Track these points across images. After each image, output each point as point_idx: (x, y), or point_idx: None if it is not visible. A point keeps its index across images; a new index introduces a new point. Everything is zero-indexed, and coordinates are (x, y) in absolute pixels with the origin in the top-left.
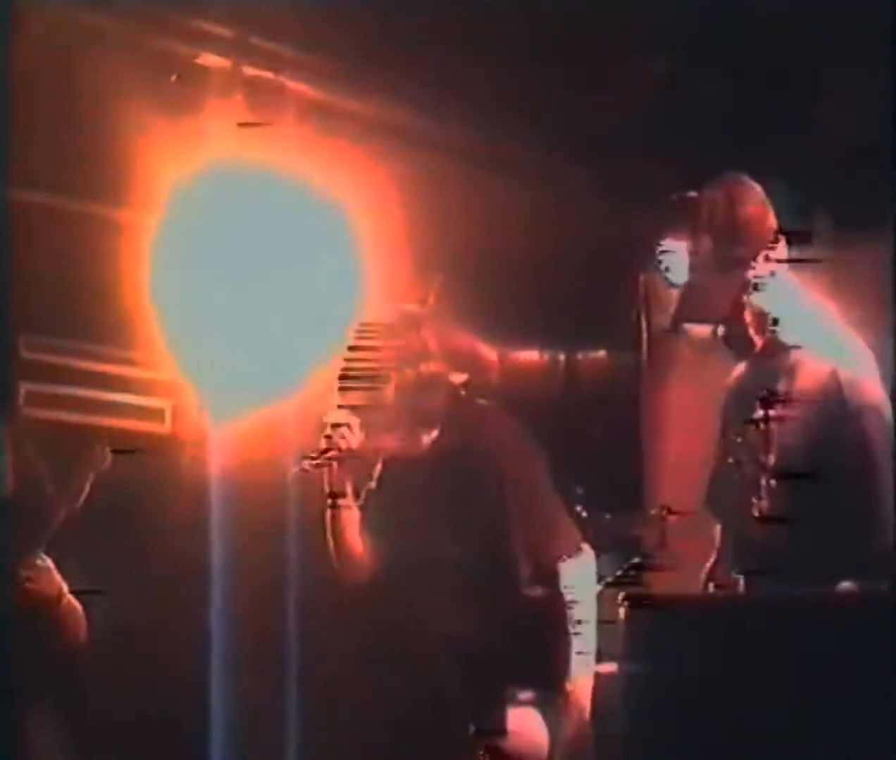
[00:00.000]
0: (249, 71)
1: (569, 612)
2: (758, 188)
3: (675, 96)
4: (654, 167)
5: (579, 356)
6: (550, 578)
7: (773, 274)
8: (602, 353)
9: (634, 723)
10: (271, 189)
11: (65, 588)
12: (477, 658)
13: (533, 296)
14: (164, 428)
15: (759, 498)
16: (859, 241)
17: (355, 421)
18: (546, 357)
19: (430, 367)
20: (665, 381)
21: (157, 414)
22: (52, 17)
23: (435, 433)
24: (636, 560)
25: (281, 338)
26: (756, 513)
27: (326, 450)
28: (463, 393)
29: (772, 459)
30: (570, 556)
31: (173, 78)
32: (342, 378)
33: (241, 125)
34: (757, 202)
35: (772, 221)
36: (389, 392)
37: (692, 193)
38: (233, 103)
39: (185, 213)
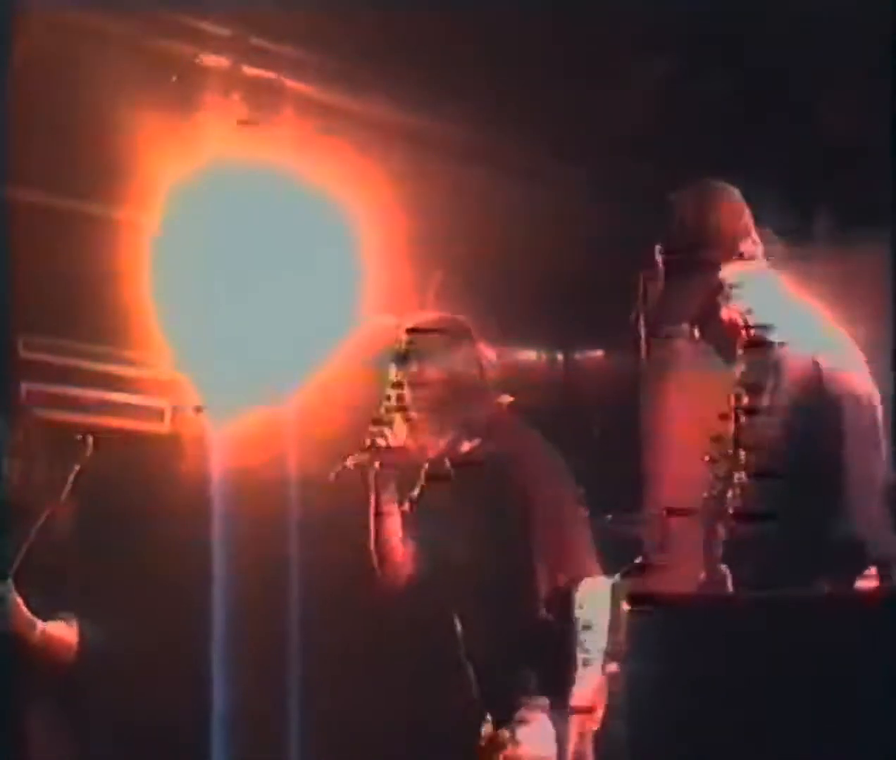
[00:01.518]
0: (249, 71)
1: (579, 636)
2: (731, 190)
3: (675, 96)
4: (654, 167)
5: (578, 356)
6: (565, 601)
7: (748, 274)
8: (602, 353)
9: (635, 723)
10: (271, 188)
11: (36, 621)
12: (490, 664)
13: (532, 296)
14: (164, 428)
15: (733, 495)
16: (859, 241)
17: (400, 421)
18: (545, 357)
19: (478, 378)
20: (665, 381)
21: (157, 414)
22: (52, 17)
23: (474, 443)
24: (637, 560)
25: (281, 338)
26: (730, 510)
27: (370, 447)
28: (506, 411)
29: (743, 456)
30: (586, 581)
31: (173, 78)
32: (392, 385)
33: (240, 124)
34: (728, 204)
35: (746, 223)
36: (437, 397)
37: (670, 198)
38: (232, 103)
39: (184, 213)
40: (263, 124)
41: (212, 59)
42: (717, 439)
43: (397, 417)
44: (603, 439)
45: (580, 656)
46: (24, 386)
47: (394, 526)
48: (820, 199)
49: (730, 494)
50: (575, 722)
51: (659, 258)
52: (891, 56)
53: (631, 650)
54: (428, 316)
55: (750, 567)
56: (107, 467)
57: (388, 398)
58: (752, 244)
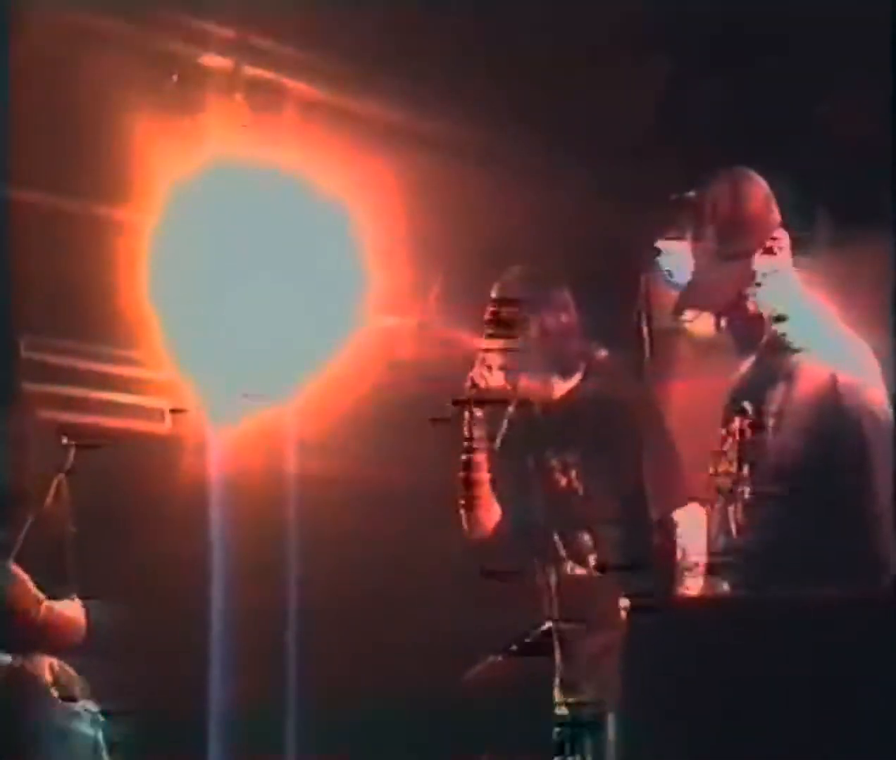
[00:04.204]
0: (250, 71)
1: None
2: (762, 182)
3: (676, 96)
4: (654, 167)
5: None
6: (669, 524)
7: (776, 269)
8: (602, 353)
9: (636, 724)
10: (272, 189)
11: (41, 596)
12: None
13: None
14: (164, 428)
15: (735, 512)
16: (859, 241)
17: (496, 361)
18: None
19: (570, 320)
20: (665, 381)
21: (157, 414)
22: (52, 17)
23: (574, 380)
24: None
25: (281, 338)
26: (733, 528)
27: (470, 387)
28: (601, 354)
29: (745, 473)
30: (683, 506)
31: (174, 78)
32: (488, 323)
33: (241, 125)
34: (761, 196)
35: (776, 216)
36: (531, 335)
37: (691, 193)
38: (233, 103)
39: (185, 213)
40: (264, 124)
41: (213, 60)
42: (720, 455)
43: (495, 359)
44: None
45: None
46: (24, 387)
47: (483, 470)
48: (820, 200)
49: (732, 509)
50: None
51: (676, 251)
52: (891, 56)
53: (631, 650)
54: (516, 267)
55: (759, 579)
56: (107, 467)
57: (489, 339)
58: (783, 237)
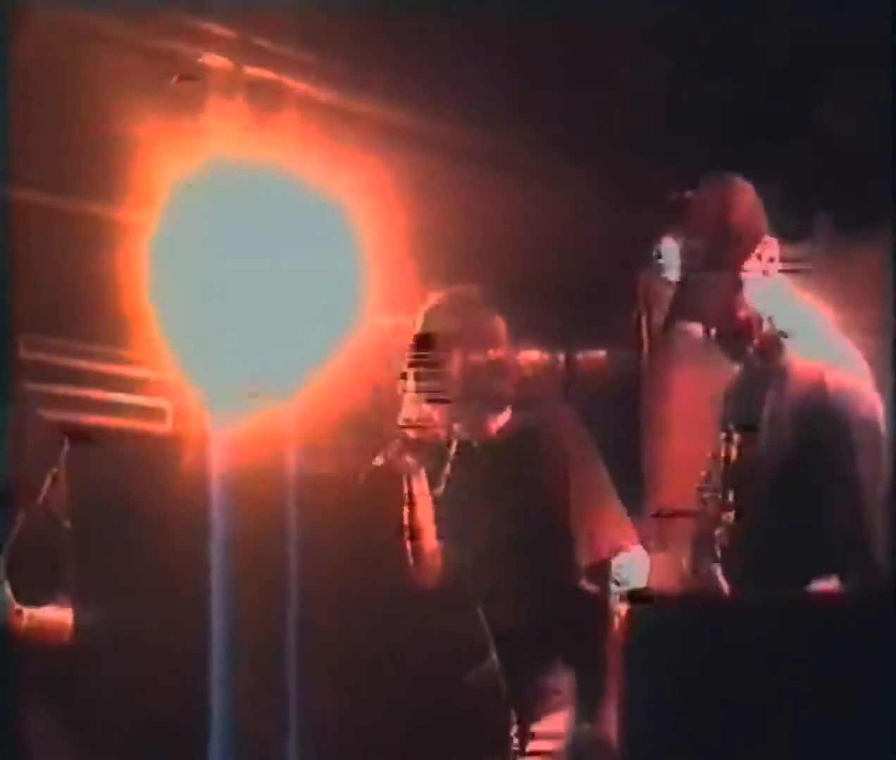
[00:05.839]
0: (251, 71)
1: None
2: (750, 188)
3: (675, 96)
4: (654, 167)
5: (579, 356)
6: (604, 571)
7: (765, 274)
8: (602, 353)
9: (635, 724)
10: (272, 188)
11: (17, 606)
12: (523, 643)
13: (532, 295)
14: (164, 428)
15: (720, 534)
16: (859, 242)
17: (423, 405)
18: (546, 357)
19: (498, 351)
20: (665, 381)
21: (157, 414)
22: (52, 16)
23: (504, 417)
24: None
25: (281, 338)
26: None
27: (398, 441)
28: (533, 383)
29: (732, 497)
30: (624, 551)
31: (174, 78)
32: (411, 364)
33: (241, 125)
34: (749, 202)
35: (764, 221)
36: (458, 375)
37: (688, 193)
38: (234, 103)
39: (185, 213)
40: (265, 125)
41: (213, 60)
42: (705, 482)
43: (420, 402)
44: (603, 439)
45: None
46: (24, 386)
47: (426, 513)
48: (820, 200)
49: (718, 531)
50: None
51: (673, 251)
52: (891, 56)
53: (631, 650)
54: (440, 293)
55: (747, 575)
56: (107, 467)
57: (405, 379)
58: (772, 243)
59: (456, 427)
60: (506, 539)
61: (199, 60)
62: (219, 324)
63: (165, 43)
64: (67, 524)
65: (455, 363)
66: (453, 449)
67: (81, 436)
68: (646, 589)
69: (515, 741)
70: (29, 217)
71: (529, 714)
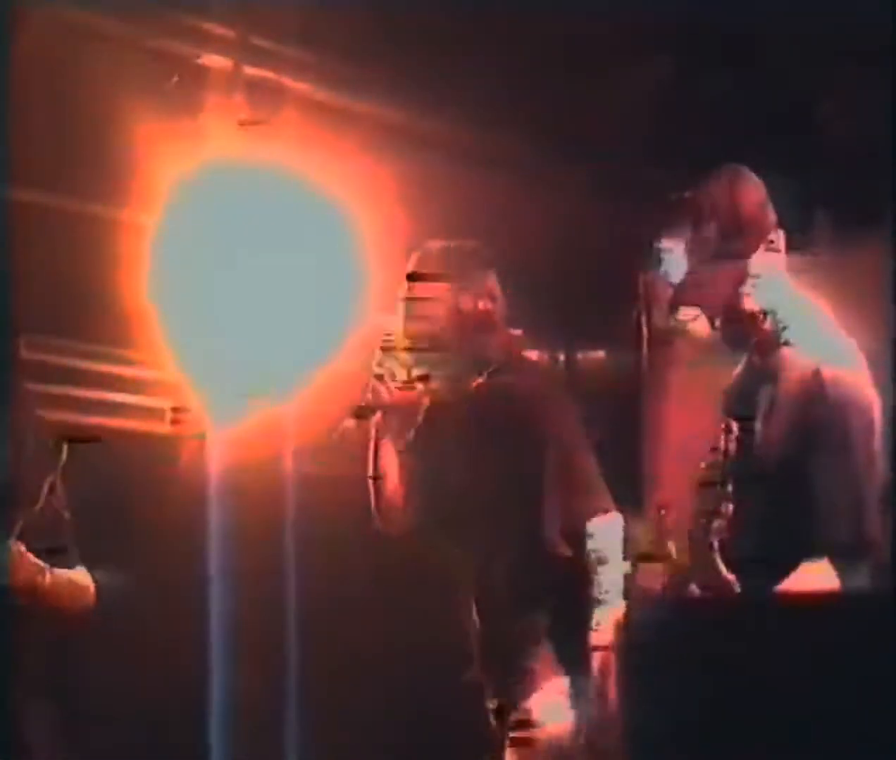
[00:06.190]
0: (250, 70)
1: (594, 572)
2: (759, 182)
3: (675, 96)
4: (654, 167)
5: (579, 356)
6: (579, 535)
7: (771, 266)
8: (602, 353)
9: (635, 725)
10: (272, 188)
11: (42, 564)
12: (500, 606)
13: (532, 295)
14: (164, 428)
15: (719, 527)
16: (859, 241)
17: (399, 369)
18: (546, 357)
19: (487, 304)
20: (665, 381)
21: (157, 414)
22: (52, 16)
23: (483, 375)
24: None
25: (281, 338)
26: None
27: (370, 401)
28: (520, 346)
29: (730, 491)
30: (599, 515)
31: (174, 78)
32: (403, 303)
33: (241, 124)
34: (758, 194)
35: (771, 214)
36: (444, 318)
37: (689, 193)
38: (233, 103)
39: (185, 213)
40: (264, 124)
41: (213, 59)
42: (704, 475)
43: (400, 358)
44: (603, 439)
45: (595, 594)
46: (24, 386)
47: (392, 468)
48: (820, 200)
49: (716, 524)
50: (596, 659)
51: (673, 251)
52: (891, 56)
53: (630, 650)
54: (435, 243)
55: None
56: (107, 467)
57: (389, 337)
58: (778, 237)
59: (434, 384)
60: (477, 493)
61: (199, 60)
62: (219, 324)
63: (165, 43)
64: (67, 515)
65: (443, 305)
66: (426, 404)
67: (81, 437)
68: (646, 592)
69: (493, 719)
70: (29, 217)
71: (506, 692)
